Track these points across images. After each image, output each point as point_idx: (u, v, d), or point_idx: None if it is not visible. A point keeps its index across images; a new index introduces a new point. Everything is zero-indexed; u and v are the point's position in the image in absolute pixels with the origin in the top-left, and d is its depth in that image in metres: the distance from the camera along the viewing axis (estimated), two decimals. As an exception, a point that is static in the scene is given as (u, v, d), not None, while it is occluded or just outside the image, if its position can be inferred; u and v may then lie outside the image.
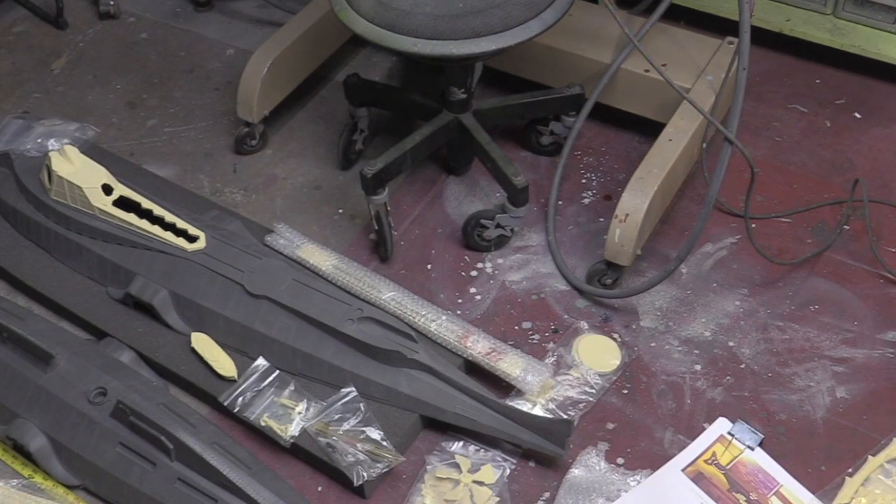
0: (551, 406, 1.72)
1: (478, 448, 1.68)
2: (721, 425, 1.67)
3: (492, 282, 1.94)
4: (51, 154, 1.93)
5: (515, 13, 1.73)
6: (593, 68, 2.09)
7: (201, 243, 1.85)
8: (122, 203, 1.91)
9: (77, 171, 1.91)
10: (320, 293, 1.79)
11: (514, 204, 1.91)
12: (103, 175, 1.91)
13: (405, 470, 1.66)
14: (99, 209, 1.89)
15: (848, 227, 1.99)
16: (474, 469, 1.65)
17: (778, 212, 2.04)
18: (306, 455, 1.66)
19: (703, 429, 1.68)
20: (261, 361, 1.73)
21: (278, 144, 2.25)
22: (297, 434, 1.65)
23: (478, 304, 1.91)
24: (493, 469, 1.64)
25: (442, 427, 1.70)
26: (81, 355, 1.72)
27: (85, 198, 1.89)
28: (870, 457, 1.62)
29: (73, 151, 1.92)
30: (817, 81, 2.33)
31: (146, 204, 1.90)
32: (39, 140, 2.14)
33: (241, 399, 1.69)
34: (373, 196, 1.87)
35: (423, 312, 1.79)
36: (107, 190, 1.91)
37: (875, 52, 2.22)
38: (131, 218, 1.88)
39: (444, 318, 1.79)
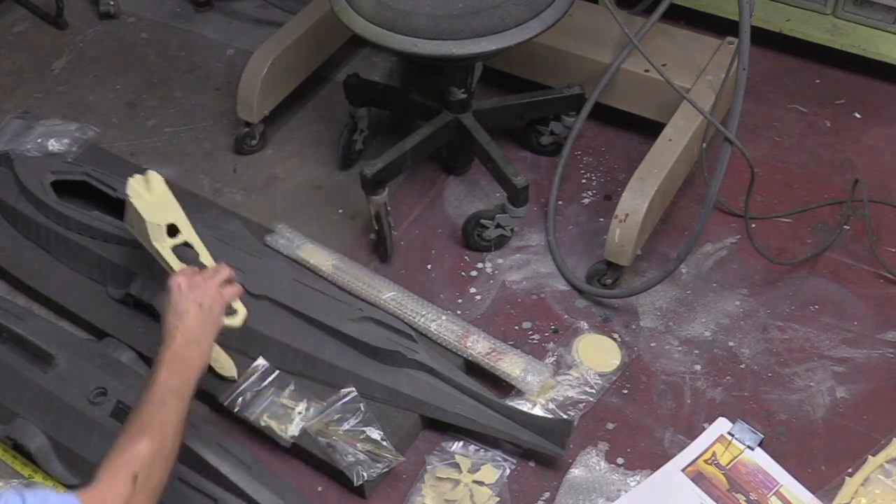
0: (551, 406, 1.72)
1: (478, 448, 1.68)
2: (721, 425, 1.67)
3: (492, 282, 1.94)
4: (131, 178, 1.72)
5: (515, 13, 1.73)
6: (593, 68, 2.09)
7: (239, 319, 1.60)
8: (182, 250, 1.69)
9: (150, 202, 1.69)
10: (320, 293, 1.79)
11: (514, 204, 1.91)
12: (176, 215, 1.70)
13: (405, 470, 1.66)
14: (156, 249, 1.68)
15: (848, 227, 1.99)
16: (474, 469, 1.65)
17: (778, 212, 2.04)
18: (306, 455, 1.66)
19: (703, 429, 1.68)
20: (261, 361, 1.73)
21: (278, 144, 2.25)
22: (297, 434, 1.65)
23: (478, 304, 1.91)
24: (493, 469, 1.64)
25: (442, 427, 1.70)
26: (81, 355, 1.72)
27: (146, 232, 1.68)
28: (870, 457, 1.62)
29: (156, 180, 1.72)
30: (817, 81, 2.33)
31: (205, 257, 1.69)
32: (39, 140, 2.14)
33: (241, 399, 1.69)
34: (373, 196, 1.87)
35: (423, 312, 1.79)
36: (171, 231, 1.69)
37: (875, 52, 2.22)
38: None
39: (444, 318, 1.79)
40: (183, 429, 1.38)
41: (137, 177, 1.72)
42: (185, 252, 1.69)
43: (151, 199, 1.70)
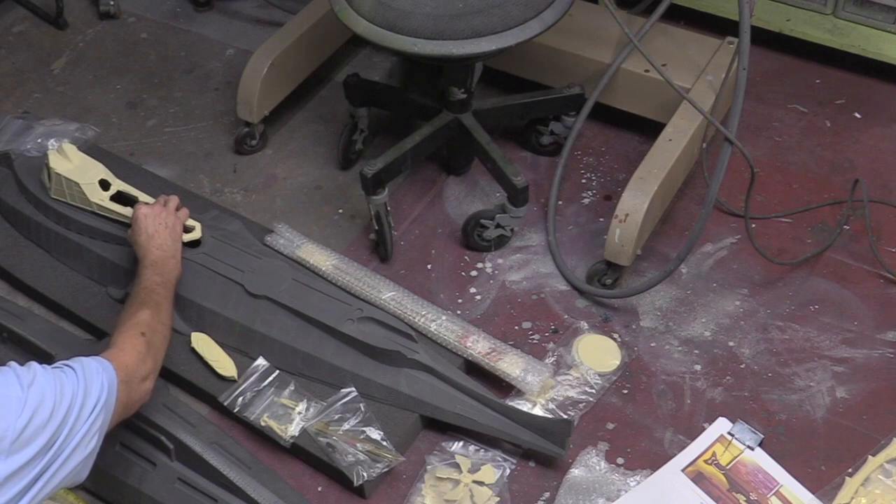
0: (551, 406, 1.72)
1: (478, 448, 1.68)
2: (721, 425, 1.67)
3: (492, 282, 1.94)
4: (49, 152, 1.93)
5: (515, 13, 1.73)
6: (593, 68, 2.09)
7: (197, 233, 1.85)
8: (120, 199, 1.91)
9: (75, 167, 1.90)
10: (320, 293, 1.79)
11: (514, 204, 1.91)
12: (101, 171, 1.91)
13: (405, 470, 1.66)
14: (97, 205, 1.89)
15: (848, 227, 1.99)
16: (474, 469, 1.65)
17: (778, 212, 2.04)
18: (306, 455, 1.66)
19: (703, 429, 1.68)
20: (261, 361, 1.73)
21: (278, 144, 2.25)
22: (297, 434, 1.65)
23: (478, 304, 1.91)
24: (493, 469, 1.64)
25: (442, 427, 1.70)
26: (81, 355, 1.71)
27: (83, 194, 1.88)
28: (870, 457, 1.62)
29: (71, 149, 1.92)
30: (817, 81, 2.33)
31: (143, 198, 1.90)
32: (39, 140, 2.14)
33: (241, 399, 1.69)
34: (373, 196, 1.87)
35: (423, 312, 1.79)
36: (104, 185, 1.90)
37: (875, 52, 2.22)
38: (129, 212, 1.87)
39: (444, 318, 1.79)
40: (171, 312, 1.62)
41: (53, 151, 1.93)
42: (123, 200, 1.90)
43: (74, 165, 1.91)
